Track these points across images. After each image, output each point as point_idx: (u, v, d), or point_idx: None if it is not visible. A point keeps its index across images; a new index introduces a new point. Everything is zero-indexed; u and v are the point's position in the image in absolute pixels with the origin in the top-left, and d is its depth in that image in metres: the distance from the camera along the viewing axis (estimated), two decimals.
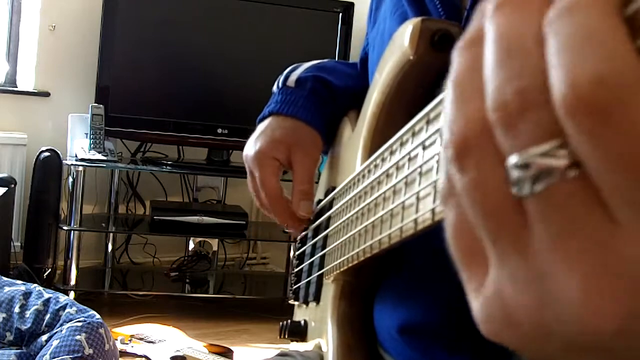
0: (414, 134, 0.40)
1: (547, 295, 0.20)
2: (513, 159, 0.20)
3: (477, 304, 0.23)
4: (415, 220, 0.38)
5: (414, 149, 0.40)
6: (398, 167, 0.44)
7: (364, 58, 0.79)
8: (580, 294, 0.19)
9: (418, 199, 0.39)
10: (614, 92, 0.18)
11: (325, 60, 0.83)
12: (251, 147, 0.73)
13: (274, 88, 0.80)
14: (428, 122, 0.37)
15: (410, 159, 0.41)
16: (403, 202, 0.41)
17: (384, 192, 0.46)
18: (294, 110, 0.74)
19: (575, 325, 0.20)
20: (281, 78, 0.79)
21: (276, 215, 0.74)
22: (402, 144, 0.43)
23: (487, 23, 0.22)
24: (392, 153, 0.45)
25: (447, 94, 0.23)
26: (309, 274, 0.74)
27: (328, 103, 0.76)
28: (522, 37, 0.20)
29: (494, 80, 0.21)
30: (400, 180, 0.42)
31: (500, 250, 0.21)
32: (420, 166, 0.38)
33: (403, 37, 0.53)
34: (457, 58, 0.23)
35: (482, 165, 0.21)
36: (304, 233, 0.77)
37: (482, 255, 0.22)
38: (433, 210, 0.35)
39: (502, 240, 0.21)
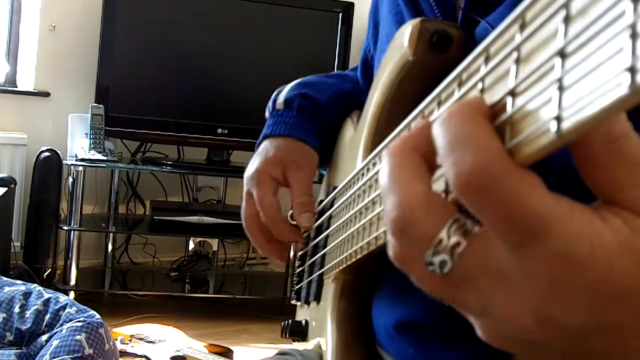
0: (409, 131, 0.41)
1: (492, 318, 0.29)
2: (424, 259, 0.29)
3: (477, 332, 0.31)
4: None
5: None
6: None
7: (364, 59, 0.81)
8: (502, 312, 0.28)
9: None
10: (487, 176, 0.26)
11: (308, 77, 0.86)
12: (249, 169, 0.76)
13: (266, 113, 0.83)
14: (424, 119, 0.37)
15: None
16: None
17: (377, 195, 0.47)
18: (284, 129, 0.77)
19: (511, 330, 0.29)
20: (270, 103, 0.82)
21: (276, 232, 0.75)
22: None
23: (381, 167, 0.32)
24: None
25: None
26: (310, 274, 0.74)
27: (316, 117, 0.79)
28: (392, 177, 0.30)
29: (387, 215, 0.31)
30: None
31: (457, 305, 0.31)
32: None
33: (402, 38, 0.54)
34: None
35: (413, 269, 0.31)
36: (305, 234, 0.78)
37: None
38: None
39: (454, 302, 0.31)
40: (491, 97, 0.28)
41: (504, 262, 0.28)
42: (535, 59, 0.26)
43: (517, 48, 0.27)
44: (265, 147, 0.77)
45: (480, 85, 0.29)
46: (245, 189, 0.77)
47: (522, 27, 0.27)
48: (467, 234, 0.28)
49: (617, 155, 0.27)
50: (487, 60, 0.29)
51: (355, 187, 0.56)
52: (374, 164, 0.50)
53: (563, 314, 0.27)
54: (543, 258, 0.26)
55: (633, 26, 0.22)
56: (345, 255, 0.58)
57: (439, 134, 0.28)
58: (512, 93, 0.27)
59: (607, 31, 0.23)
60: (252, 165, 0.76)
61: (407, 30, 0.53)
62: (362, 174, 0.54)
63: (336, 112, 0.79)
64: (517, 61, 0.27)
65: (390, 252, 0.32)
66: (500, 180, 0.26)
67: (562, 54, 0.24)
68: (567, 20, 0.24)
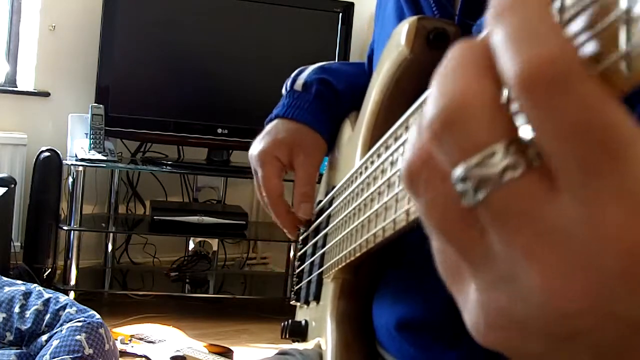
0: (407, 129, 0.41)
1: (514, 292, 0.21)
2: (455, 173, 0.22)
3: (466, 316, 0.24)
4: (407, 212, 0.39)
5: (403, 143, 0.41)
6: (392, 162, 0.44)
7: (371, 55, 0.80)
8: (540, 281, 0.20)
9: (398, 200, 0.41)
10: (565, 69, 0.20)
11: (331, 62, 0.85)
12: (256, 146, 0.75)
13: (283, 90, 0.82)
14: (407, 129, 0.38)
15: (392, 164, 0.42)
16: (396, 193, 0.42)
17: (379, 187, 0.47)
18: (298, 114, 0.76)
19: (544, 313, 0.21)
20: (289, 81, 0.81)
21: (275, 215, 0.75)
22: (396, 139, 0.44)
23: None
24: (387, 148, 0.46)
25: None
26: (310, 274, 0.74)
27: (332, 106, 0.78)
28: (455, 63, 0.23)
29: (429, 100, 0.23)
30: (394, 173, 0.43)
31: (468, 262, 0.23)
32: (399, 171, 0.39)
33: (400, 36, 0.54)
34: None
35: (430, 187, 0.23)
36: (305, 234, 0.78)
37: (460, 271, 0.24)
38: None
39: (467, 253, 0.23)
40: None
41: (565, 211, 0.20)
42: None
43: None
44: (275, 127, 0.76)
45: None
46: (251, 166, 0.76)
47: None
48: (529, 161, 0.21)
49: None
50: None
51: (354, 185, 0.56)
52: (372, 162, 0.50)
53: (635, 301, 0.20)
54: (620, 195, 0.19)
55: None
56: (344, 253, 0.58)
57: (499, 25, 0.21)
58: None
59: None
60: (260, 144, 0.75)
61: (404, 28, 0.53)
62: (360, 172, 0.54)
63: (353, 102, 0.78)
64: None
65: (410, 153, 0.24)
66: (578, 77, 0.20)
67: None
68: None
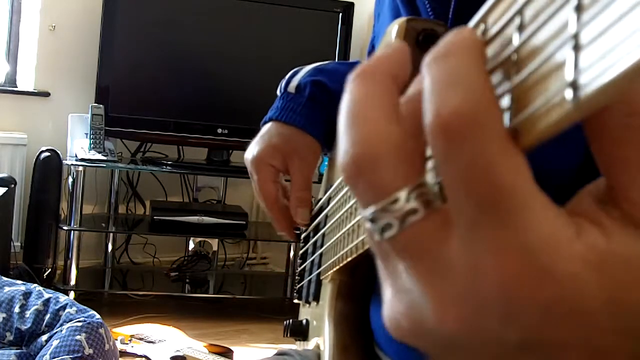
0: None
1: (413, 304, 0.25)
2: (365, 213, 0.25)
3: (384, 311, 0.27)
4: None
5: None
6: None
7: (371, 52, 0.80)
8: (432, 305, 0.24)
9: None
10: (468, 124, 0.22)
11: (327, 62, 0.84)
12: (250, 151, 0.76)
13: (278, 91, 0.81)
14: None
15: None
16: None
17: None
18: (292, 117, 0.76)
19: (436, 327, 0.24)
20: (283, 82, 0.81)
21: (273, 219, 0.75)
22: None
23: (345, 93, 0.27)
24: None
25: None
26: (310, 273, 0.74)
27: (326, 107, 0.77)
28: (362, 107, 0.25)
29: (340, 146, 0.25)
30: None
31: (384, 273, 0.27)
32: None
33: (390, 37, 0.54)
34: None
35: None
36: (306, 232, 0.78)
37: (382, 274, 0.27)
38: None
39: (383, 267, 0.27)
40: (491, 53, 0.24)
41: (453, 251, 0.23)
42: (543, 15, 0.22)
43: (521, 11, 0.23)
44: (269, 132, 0.76)
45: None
46: (248, 169, 0.76)
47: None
48: (429, 205, 0.24)
49: (634, 131, 0.22)
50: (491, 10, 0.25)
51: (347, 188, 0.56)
52: None
53: (503, 327, 0.23)
54: (498, 248, 0.22)
55: None
56: (338, 256, 0.58)
57: (428, 72, 0.23)
58: (517, 53, 0.22)
59: None
60: (254, 149, 0.75)
61: (394, 29, 0.54)
62: None
63: None
64: (519, 27, 0.23)
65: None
66: (485, 135, 0.22)
67: (578, 7, 0.20)
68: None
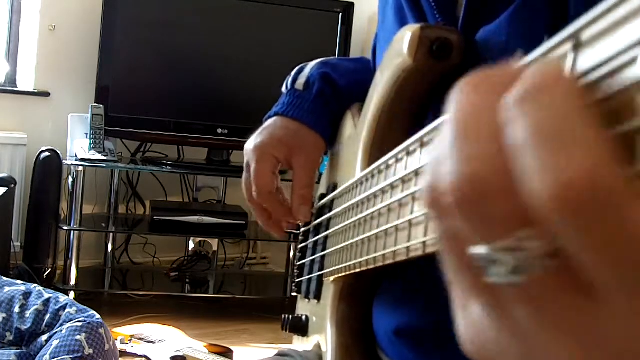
0: (408, 154, 0.40)
1: (522, 349, 0.21)
2: (478, 250, 0.20)
3: (461, 323, 0.23)
4: (424, 243, 0.37)
5: (407, 174, 0.40)
6: (393, 187, 0.44)
7: (376, 47, 0.79)
8: None
9: (412, 224, 0.39)
10: (607, 186, 0.18)
11: (331, 57, 0.84)
12: (252, 140, 0.75)
13: (283, 88, 0.81)
14: (422, 145, 0.37)
15: (404, 182, 0.41)
16: (411, 219, 0.40)
17: (380, 209, 0.47)
18: (299, 114, 0.75)
19: None
20: (289, 79, 0.80)
21: (260, 213, 0.75)
22: (397, 161, 0.43)
23: (450, 102, 0.21)
24: (387, 167, 0.46)
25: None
26: (311, 271, 0.74)
27: (333, 103, 0.77)
28: (480, 120, 0.20)
29: (449, 163, 0.20)
30: (407, 195, 0.42)
31: (483, 304, 0.22)
32: (414, 193, 0.39)
33: (402, 44, 0.53)
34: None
35: (449, 240, 0.21)
36: (306, 228, 0.78)
37: (469, 280, 0.22)
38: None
39: (482, 300, 0.22)
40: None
41: (603, 320, 0.19)
42: None
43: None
44: (274, 124, 0.75)
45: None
46: (245, 159, 0.75)
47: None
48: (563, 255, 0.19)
49: None
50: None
51: (357, 195, 0.55)
52: (373, 176, 0.50)
53: None
54: None
55: None
56: (346, 264, 0.57)
57: (522, 116, 0.19)
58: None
59: None
60: (256, 139, 0.74)
61: (406, 37, 0.53)
62: (362, 182, 0.54)
63: (353, 98, 0.77)
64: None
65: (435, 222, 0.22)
66: (618, 197, 0.18)
67: None
68: None
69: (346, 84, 0.78)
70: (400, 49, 0.54)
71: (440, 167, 0.21)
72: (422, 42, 0.52)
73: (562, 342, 0.20)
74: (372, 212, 0.49)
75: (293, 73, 0.81)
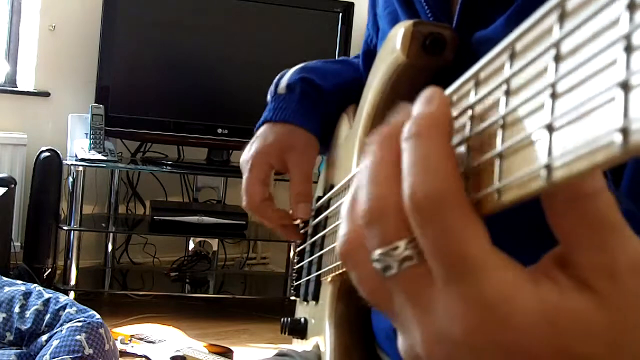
0: None
1: (407, 336, 0.30)
2: (373, 255, 0.30)
3: (399, 339, 0.32)
4: None
5: None
6: None
7: (366, 51, 0.79)
8: (419, 338, 0.29)
9: None
10: (434, 205, 0.27)
11: (312, 62, 0.84)
12: (245, 152, 0.75)
13: (268, 97, 0.81)
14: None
15: None
16: None
17: None
18: (286, 115, 0.75)
19: (425, 357, 0.29)
20: (272, 86, 0.81)
21: (264, 219, 0.75)
22: None
23: (365, 154, 0.32)
24: None
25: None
26: (309, 272, 0.74)
27: (319, 104, 0.77)
28: (377, 167, 0.30)
29: (359, 200, 0.31)
30: None
31: (386, 311, 0.32)
32: None
33: (395, 41, 0.53)
34: (351, 184, 0.33)
35: (359, 265, 0.32)
36: (303, 230, 0.78)
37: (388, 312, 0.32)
38: None
39: (384, 307, 0.32)
40: (479, 126, 0.28)
41: (436, 295, 0.28)
42: (524, 94, 0.25)
43: (507, 81, 0.26)
44: (264, 132, 0.75)
45: (469, 112, 0.29)
46: (241, 170, 0.76)
47: (512, 58, 0.26)
48: (421, 255, 0.29)
49: (579, 214, 0.26)
50: (477, 85, 0.29)
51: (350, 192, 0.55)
52: None
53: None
54: (464, 300, 0.27)
55: (625, 83, 0.20)
56: (340, 262, 0.58)
57: (404, 149, 0.29)
58: (503, 126, 0.26)
59: (598, 78, 0.21)
60: (249, 150, 0.75)
61: (399, 33, 0.53)
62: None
63: (339, 99, 0.77)
64: (507, 93, 0.26)
65: (345, 237, 0.32)
66: (448, 213, 0.27)
67: (553, 94, 0.23)
68: (557, 59, 0.23)
69: (329, 85, 0.78)
70: (393, 45, 0.54)
71: (358, 196, 0.31)
72: (415, 38, 0.52)
73: (417, 316, 0.29)
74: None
75: (275, 80, 0.81)
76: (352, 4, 3.01)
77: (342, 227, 0.33)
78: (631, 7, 0.20)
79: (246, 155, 0.75)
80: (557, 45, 0.23)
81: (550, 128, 0.23)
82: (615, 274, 0.26)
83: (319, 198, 0.74)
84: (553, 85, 0.23)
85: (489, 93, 0.27)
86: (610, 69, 0.21)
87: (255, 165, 0.73)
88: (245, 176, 0.74)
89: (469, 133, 0.28)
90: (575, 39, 0.23)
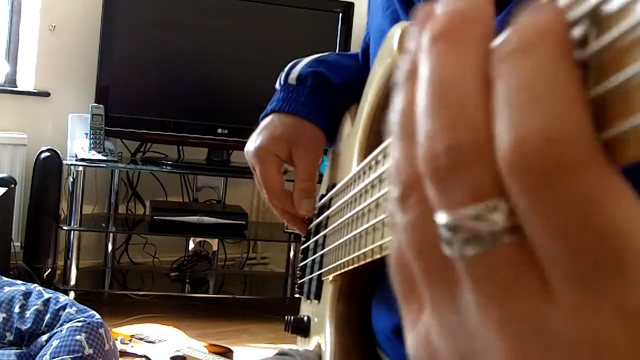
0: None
1: (471, 352, 0.19)
2: (442, 218, 0.19)
3: (410, 339, 0.22)
4: (381, 246, 0.39)
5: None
6: (380, 180, 0.45)
7: (365, 49, 0.79)
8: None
9: None
10: (561, 155, 0.17)
11: (326, 53, 0.83)
12: (252, 142, 0.74)
13: (277, 85, 0.80)
14: None
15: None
16: (383, 218, 0.42)
17: (369, 204, 0.47)
18: (295, 107, 0.74)
19: None
20: (283, 75, 0.79)
21: (280, 210, 0.74)
22: (385, 156, 0.43)
23: (421, 57, 0.20)
24: (377, 163, 0.46)
25: (391, 131, 0.22)
26: (311, 271, 0.74)
27: (329, 99, 0.76)
28: (458, 82, 0.19)
29: (424, 130, 0.19)
30: (381, 195, 0.43)
31: (431, 296, 0.21)
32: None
33: (392, 41, 0.54)
34: (398, 93, 0.21)
35: (418, 212, 0.20)
36: (307, 216, 0.77)
37: (418, 293, 0.21)
38: None
39: (434, 289, 0.20)
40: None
41: (552, 310, 0.18)
42: None
43: None
44: (272, 122, 0.74)
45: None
46: (249, 162, 0.75)
47: None
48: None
49: None
50: None
51: (350, 192, 0.55)
52: (366, 171, 0.50)
53: None
54: (620, 315, 0.17)
55: None
56: (341, 262, 0.58)
57: (502, 71, 0.18)
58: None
59: None
60: (257, 140, 0.73)
61: (396, 34, 0.53)
62: (355, 180, 0.54)
63: (350, 95, 0.76)
64: None
65: (398, 177, 0.21)
66: (581, 168, 0.17)
67: None
68: None
69: (341, 81, 0.77)
70: (391, 45, 0.54)
71: (413, 135, 0.20)
72: None
73: (502, 337, 0.18)
74: (363, 209, 0.50)
75: (286, 68, 0.80)
76: (352, 4, 3.01)
77: (394, 152, 0.21)
78: None
79: (253, 147, 0.73)
80: None
81: None
82: None
83: (322, 197, 0.74)
84: None
85: None
86: None
87: (266, 156, 0.72)
88: (258, 169, 0.73)
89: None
90: None
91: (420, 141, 0.19)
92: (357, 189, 0.53)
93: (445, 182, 0.19)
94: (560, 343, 0.18)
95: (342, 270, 0.57)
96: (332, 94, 0.76)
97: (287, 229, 0.84)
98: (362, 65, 0.81)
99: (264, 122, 0.75)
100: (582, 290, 0.17)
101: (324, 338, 0.64)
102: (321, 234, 0.70)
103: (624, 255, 0.16)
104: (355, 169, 0.55)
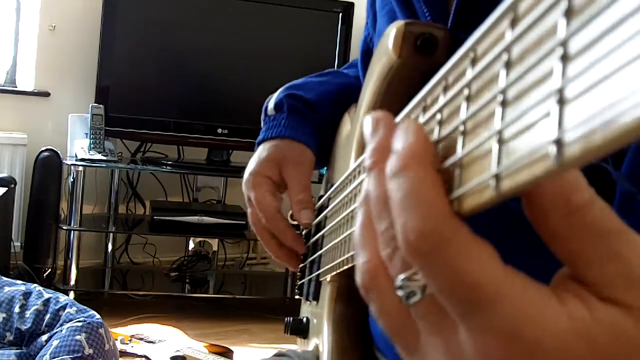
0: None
1: None
2: (397, 282, 0.28)
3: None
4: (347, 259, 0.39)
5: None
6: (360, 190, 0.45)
7: (365, 51, 0.80)
8: None
9: None
10: (432, 241, 0.25)
11: (295, 81, 0.85)
12: (245, 174, 0.77)
13: (262, 123, 0.83)
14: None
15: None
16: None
17: (354, 209, 0.47)
18: (277, 131, 0.77)
19: None
20: (262, 112, 0.82)
21: (278, 233, 0.75)
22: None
23: (363, 184, 0.31)
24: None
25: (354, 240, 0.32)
26: (310, 272, 0.74)
27: (308, 116, 0.79)
28: (379, 200, 0.29)
29: (379, 232, 0.29)
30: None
31: (403, 344, 0.31)
32: None
33: (387, 41, 0.54)
34: (358, 211, 0.31)
35: (380, 296, 0.30)
36: (306, 230, 0.78)
37: (408, 347, 0.31)
38: None
39: (403, 338, 0.30)
40: (446, 130, 0.27)
41: (462, 332, 0.26)
42: (483, 96, 0.24)
43: (467, 85, 0.25)
44: (259, 151, 0.77)
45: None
46: (245, 195, 0.77)
47: (473, 62, 0.25)
48: None
49: (579, 227, 0.25)
50: (445, 90, 0.28)
51: (346, 191, 0.56)
52: (359, 173, 0.50)
53: None
54: (487, 333, 0.24)
55: (560, 91, 0.19)
56: (337, 261, 0.58)
57: (391, 189, 0.27)
58: (463, 133, 0.26)
59: (537, 90, 0.21)
60: (248, 170, 0.76)
61: (391, 33, 0.53)
62: (350, 180, 0.54)
63: (328, 107, 0.79)
64: (467, 99, 0.25)
65: (364, 267, 0.30)
66: (446, 247, 0.25)
67: (503, 102, 0.22)
68: (507, 65, 0.22)
69: (315, 96, 0.80)
70: (386, 45, 0.54)
71: (372, 225, 0.30)
72: (407, 38, 0.52)
73: (443, 347, 0.27)
74: (351, 211, 0.50)
75: (264, 106, 0.83)
76: (352, 4, 3.01)
77: (359, 256, 0.31)
78: (568, 14, 0.20)
79: (246, 177, 0.76)
80: (508, 50, 0.22)
81: (500, 136, 0.22)
82: (635, 281, 0.24)
83: (321, 197, 0.74)
84: (503, 92, 0.22)
85: (452, 98, 0.27)
86: (547, 78, 0.20)
87: (258, 180, 0.75)
88: (253, 195, 0.75)
89: (437, 136, 0.28)
90: (523, 44, 0.22)
91: (380, 239, 0.30)
92: (351, 188, 0.53)
93: (390, 260, 0.29)
94: (470, 356, 0.26)
95: (339, 271, 0.57)
96: (310, 111, 0.79)
97: (300, 264, 0.85)
98: (361, 67, 0.81)
99: (253, 156, 0.78)
100: (467, 322, 0.25)
101: (321, 338, 0.64)
102: (319, 234, 0.70)
103: (484, 297, 0.24)
104: (351, 168, 0.55)
